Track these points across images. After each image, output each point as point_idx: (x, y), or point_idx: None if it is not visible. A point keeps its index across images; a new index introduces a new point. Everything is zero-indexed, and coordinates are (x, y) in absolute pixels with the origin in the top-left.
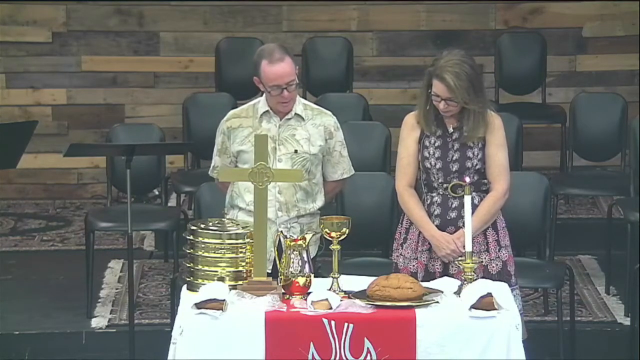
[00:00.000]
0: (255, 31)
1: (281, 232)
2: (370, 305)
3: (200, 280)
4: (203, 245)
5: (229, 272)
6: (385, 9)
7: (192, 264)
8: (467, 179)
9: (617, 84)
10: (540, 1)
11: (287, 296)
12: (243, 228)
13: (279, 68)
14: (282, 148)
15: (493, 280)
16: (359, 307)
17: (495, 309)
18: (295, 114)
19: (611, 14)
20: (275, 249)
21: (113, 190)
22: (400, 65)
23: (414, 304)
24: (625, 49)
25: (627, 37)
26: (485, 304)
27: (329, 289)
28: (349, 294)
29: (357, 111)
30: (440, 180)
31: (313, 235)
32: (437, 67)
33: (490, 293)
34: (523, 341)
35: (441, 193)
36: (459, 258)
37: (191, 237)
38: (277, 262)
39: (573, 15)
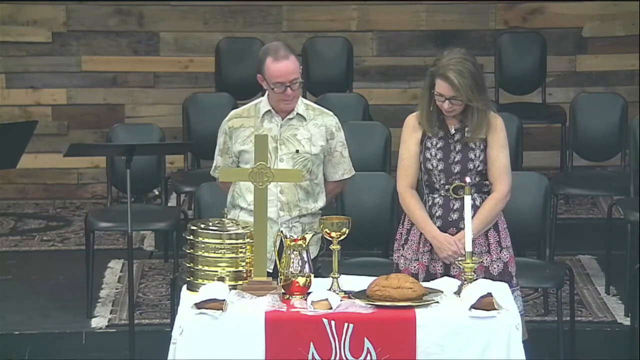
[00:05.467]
0: (255, 31)
1: (281, 231)
2: (370, 305)
3: (200, 280)
4: (203, 245)
5: (229, 272)
6: (385, 9)
7: (192, 264)
8: (468, 179)
9: (617, 84)
10: (540, 1)
11: (287, 296)
12: (243, 228)
13: (284, 65)
14: (284, 148)
15: (494, 281)
16: (359, 307)
17: (495, 309)
18: (297, 113)
19: (611, 14)
20: (276, 249)
21: (113, 190)
22: (400, 65)
23: (414, 304)
24: (625, 49)
25: (627, 37)
26: (485, 304)
27: (329, 289)
28: (349, 294)
29: (357, 111)
30: (441, 182)
31: (314, 235)
32: (439, 67)
33: (490, 293)
34: (523, 341)
35: (443, 194)
36: (460, 259)
37: (191, 237)
38: (277, 262)
39: (573, 15)
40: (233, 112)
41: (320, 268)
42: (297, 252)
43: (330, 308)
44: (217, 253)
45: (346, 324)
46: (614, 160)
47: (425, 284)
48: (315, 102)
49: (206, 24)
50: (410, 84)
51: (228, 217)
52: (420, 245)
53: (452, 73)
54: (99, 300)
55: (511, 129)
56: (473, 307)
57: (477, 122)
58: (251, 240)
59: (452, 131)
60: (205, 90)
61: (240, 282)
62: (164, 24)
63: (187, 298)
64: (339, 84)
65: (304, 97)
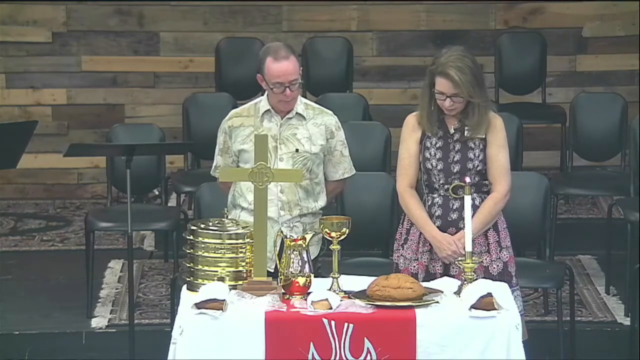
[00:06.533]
0: (255, 31)
1: (281, 231)
2: (370, 305)
3: (200, 280)
4: (203, 245)
5: (229, 272)
6: (385, 9)
7: (192, 264)
8: (467, 179)
9: (617, 84)
10: (540, 1)
11: (287, 296)
12: (243, 228)
13: (283, 65)
14: (283, 147)
15: (494, 281)
16: (359, 307)
17: (495, 309)
18: (297, 113)
19: (611, 14)
20: (276, 249)
21: (113, 190)
22: (400, 65)
23: (414, 304)
24: (625, 49)
25: (627, 37)
26: (485, 304)
27: (329, 289)
28: (349, 294)
29: (357, 111)
30: (441, 182)
31: (314, 235)
32: (438, 65)
33: (490, 293)
34: (523, 341)
35: (442, 194)
36: (460, 259)
37: (191, 237)
38: (277, 262)
39: (573, 15)
40: (233, 111)
41: (320, 268)
42: (297, 252)
43: (330, 308)
44: (217, 253)
45: (346, 324)
46: (614, 160)
47: (425, 284)
48: (315, 102)
49: (206, 24)
50: (410, 84)
51: (229, 217)
52: (420, 245)
53: (453, 70)
54: (99, 300)
55: (511, 129)
56: (473, 307)
57: (477, 120)
58: (251, 240)
59: (452, 131)
60: (205, 90)
61: (240, 282)
62: (164, 24)
63: (187, 298)
64: (339, 84)
65: (304, 97)
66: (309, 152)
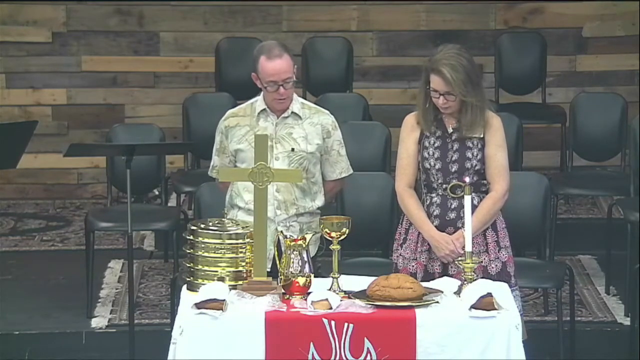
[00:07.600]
0: (255, 31)
1: (281, 231)
2: (370, 305)
3: (200, 280)
4: (203, 245)
5: (229, 272)
6: (385, 9)
7: (192, 264)
8: (467, 179)
9: (617, 84)
10: (540, 1)
11: (287, 296)
12: (243, 228)
13: (277, 64)
14: (279, 146)
15: (492, 281)
16: (359, 307)
17: (495, 309)
18: (293, 112)
19: (611, 14)
20: (275, 248)
21: (113, 190)
22: (400, 65)
23: (414, 304)
24: (625, 49)
25: (627, 37)
26: (485, 304)
27: (329, 289)
28: (349, 294)
29: (357, 111)
30: (439, 181)
31: (313, 234)
32: (433, 62)
33: (490, 293)
34: (523, 342)
35: (440, 194)
36: (458, 259)
37: (191, 237)
38: (277, 262)
39: (573, 15)
40: (229, 111)
41: (320, 268)
42: (297, 252)
43: (330, 308)
44: (217, 253)
45: (346, 324)
46: (614, 160)
47: (425, 284)
48: (315, 102)
49: (206, 24)
50: (410, 84)
51: (228, 217)
52: (419, 245)
53: (446, 68)
54: (99, 300)
55: (511, 129)
56: (473, 307)
57: (471, 119)
58: (251, 240)
59: (450, 130)
60: (205, 90)
61: (240, 282)
62: (164, 24)
63: (187, 298)
64: (339, 84)
65: (304, 97)
66: (305, 151)
